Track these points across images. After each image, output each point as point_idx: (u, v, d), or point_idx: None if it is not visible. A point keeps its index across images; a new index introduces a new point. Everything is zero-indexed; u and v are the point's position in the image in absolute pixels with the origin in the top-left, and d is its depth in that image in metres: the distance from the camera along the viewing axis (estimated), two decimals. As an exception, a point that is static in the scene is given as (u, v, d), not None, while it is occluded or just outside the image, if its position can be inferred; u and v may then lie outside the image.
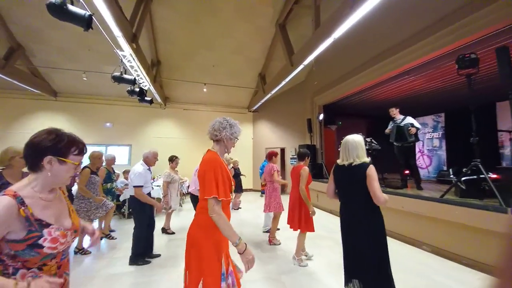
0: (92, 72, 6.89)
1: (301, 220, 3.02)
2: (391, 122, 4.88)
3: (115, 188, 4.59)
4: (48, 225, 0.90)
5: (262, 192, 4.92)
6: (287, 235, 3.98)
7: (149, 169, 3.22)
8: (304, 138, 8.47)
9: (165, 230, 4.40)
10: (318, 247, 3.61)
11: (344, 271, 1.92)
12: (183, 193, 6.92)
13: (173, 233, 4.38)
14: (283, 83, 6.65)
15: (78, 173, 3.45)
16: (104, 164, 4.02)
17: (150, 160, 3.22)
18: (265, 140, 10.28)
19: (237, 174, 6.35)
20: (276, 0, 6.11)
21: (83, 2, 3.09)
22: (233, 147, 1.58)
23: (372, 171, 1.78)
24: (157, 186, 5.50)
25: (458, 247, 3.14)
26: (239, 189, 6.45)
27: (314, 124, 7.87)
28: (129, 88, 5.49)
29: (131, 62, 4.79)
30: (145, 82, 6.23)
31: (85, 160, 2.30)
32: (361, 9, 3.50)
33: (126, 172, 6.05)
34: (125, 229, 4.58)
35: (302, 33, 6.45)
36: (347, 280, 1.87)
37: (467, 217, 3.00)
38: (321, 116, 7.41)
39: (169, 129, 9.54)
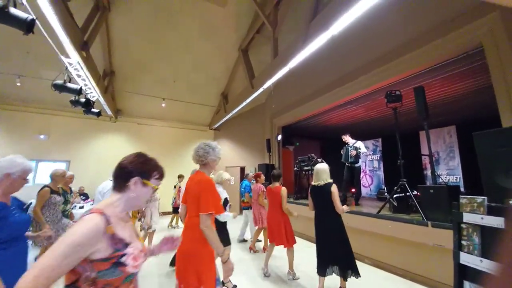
0: (29, 77, 6.04)
1: (287, 235, 3.24)
2: (345, 147, 5.48)
3: (69, 212, 3.73)
4: (128, 244, 0.90)
5: (243, 208, 5.09)
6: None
7: None
8: (263, 157, 8.71)
9: None
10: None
11: (320, 263, 2.63)
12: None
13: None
14: (244, 103, 6.88)
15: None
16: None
17: None
18: (226, 159, 10.20)
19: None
20: (239, 27, 6.50)
21: (27, 5, 2.81)
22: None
23: (334, 188, 2.61)
24: None
25: (393, 259, 3.51)
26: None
27: (273, 144, 8.20)
28: (73, 98, 4.94)
29: (78, 71, 4.39)
30: (94, 93, 5.71)
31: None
32: (312, 45, 3.98)
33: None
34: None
35: (262, 59, 6.92)
36: (324, 270, 2.58)
37: (397, 230, 3.41)
38: (279, 137, 7.79)
39: (119, 144, 8.71)
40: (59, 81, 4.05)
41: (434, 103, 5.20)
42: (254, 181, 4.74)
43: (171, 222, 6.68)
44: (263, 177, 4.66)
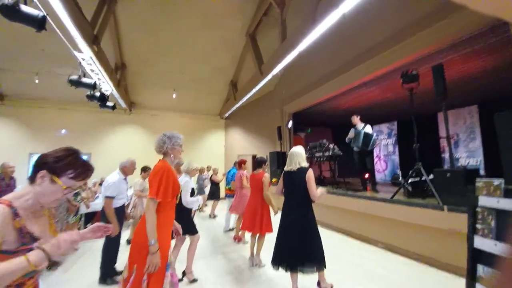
0: (46, 74, 6.30)
1: (262, 223, 3.19)
2: (352, 129, 5.24)
3: (83, 198, 4.15)
4: (37, 239, 0.88)
5: (226, 196, 5.13)
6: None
7: (125, 179, 3.06)
8: (275, 145, 8.70)
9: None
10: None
11: (275, 254, 2.42)
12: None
13: None
14: (253, 91, 6.82)
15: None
16: None
17: (128, 169, 3.06)
18: (237, 147, 10.31)
19: (213, 183, 6.59)
20: (245, 13, 6.31)
21: (37, 2, 2.88)
22: (182, 152, 1.88)
23: (310, 173, 2.34)
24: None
25: (407, 243, 3.49)
26: (214, 196, 6.41)
27: (284, 131, 8.14)
28: (89, 93, 5.13)
29: (91, 65, 4.51)
30: (108, 87, 5.88)
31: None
32: (322, 25, 3.81)
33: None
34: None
35: (271, 43, 6.71)
36: (277, 265, 2.38)
37: (411, 215, 3.37)
38: (290, 124, 7.71)
39: (135, 136, 9.05)
40: (74, 77, 4.20)
41: (455, 82, 4.87)
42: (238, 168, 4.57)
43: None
44: (245, 165, 4.46)
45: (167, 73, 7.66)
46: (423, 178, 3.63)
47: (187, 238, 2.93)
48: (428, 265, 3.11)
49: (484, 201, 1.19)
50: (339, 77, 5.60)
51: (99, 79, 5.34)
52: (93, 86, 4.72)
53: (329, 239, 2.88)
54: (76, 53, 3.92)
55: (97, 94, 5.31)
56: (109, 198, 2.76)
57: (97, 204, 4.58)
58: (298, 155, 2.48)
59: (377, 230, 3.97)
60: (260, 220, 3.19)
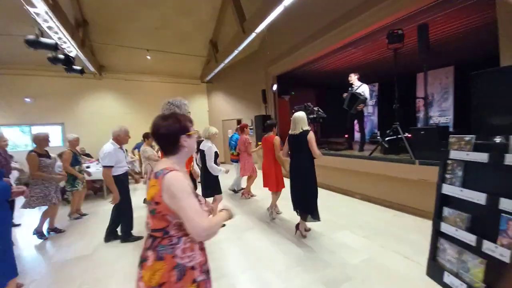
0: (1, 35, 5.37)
1: (276, 181, 3.48)
2: (349, 89, 4.94)
3: (84, 171, 4.29)
4: (196, 194, 1.06)
5: (232, 161, 5.24)
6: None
7: (121, 148, 2.98)
8: (260, 108, 8.64)
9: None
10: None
11: (294, 203, 2.95)
12: (136, 172, 6.51)
13: None
14: (236, 51, 6.44)
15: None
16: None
17: (122, 138, 2.96)
18: (221, 112, 10.12)
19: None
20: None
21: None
22: None
23: (311, 135, 2.71)
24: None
25: (381, 193, 3.94)
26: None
27: (269, 94, 8.03)
28: (50, 55, 4.53)
29: (48, 22, 3.90)
30: (71, 47, 5.21)
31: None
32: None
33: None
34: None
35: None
36: (295, 208, 2.93)
37: (386, 169, 3.73)
38: (275, 87, 7.58)
39: (108, 103, 8.46)
40: (31, 36, 3.64)
41: (435, 43, 4.93)
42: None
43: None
44: (248, 129, 4.75)
45: (139, 29, 6.85)
46: (399, 136, 3.92)
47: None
48: (400, 211, 3.59)
49: (455, 154, 1.36)
50: (325, 36, 5.39)
51: (59, 38, 4.69)
52: (55, 47, 4.15)
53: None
54: (29, 8, 3.32)
55: (61, 56, 4.71)
56: (107, 168, 2.74)
57: (97, 173, 4.69)
58: (301, 120, 2.79)
59: (356, 184, 4.40)
60: (274, 179, 3.47)
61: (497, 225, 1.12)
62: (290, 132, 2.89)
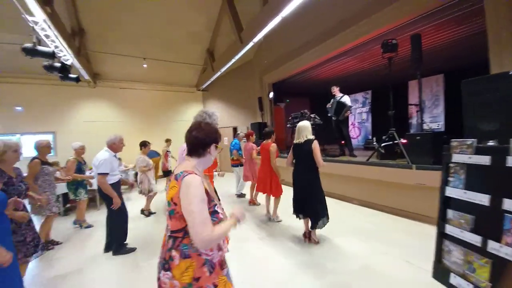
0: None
1: (272, 187, 3.61)
2: (332, 99, 5.47)
3: (86, 181, 4.23)
4: (211, 198, 1.09)
5: (233, 166, 5.38)
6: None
7: (115, 156, 2.96)
8: (255, 116, 8.71)
9: (143, 212, 4.51)
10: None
11: (294, 208, 2.97)
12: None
13: (154, 212, 4.58)
14: (233, 60, 6.53)
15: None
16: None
17: (117, 146, 2.95)
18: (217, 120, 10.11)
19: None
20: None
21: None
22: None
23: (315, 144, 2.72)
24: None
25: (379, 198, 3.99)
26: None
27: (265, 102, 8.13)
28: (46, 63, 4.48)
29: (45, 31, 3.88)
30: (67, 55, 5.17)
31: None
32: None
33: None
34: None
35: (249, 6, 6.25)
36: (297, 214, 2.95)
37: (384, 174, 3.80)
38: (271, 95, 7.69)
39: (103, 111, 8.32)
40: (29, 45, 3.61)
41: (427, 51, 5.15)
42: (246, 140, 4.98)
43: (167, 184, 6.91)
44: (254, 137, 4.90)
45: (134, 38, 6.87)
46: (395, 142, 4.02)
47: None
48: (398, 216, 3.64)
49: (457, 158, 1.41)
50: (320, 45, 5.57)
51: (56, 46, 4.65)
52: (52, 55, 4.11)
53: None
54: (27, 16, 3.31)
55: (57, 64, 4.67)
56: (102, 175, 2.71)
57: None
58: (305, 129, 2.83)
59: (353, 189, 4.45)
60: (270, 184, 3.60)
61: (501, 225, 1.16)
62: (294, 141, 2.93)
